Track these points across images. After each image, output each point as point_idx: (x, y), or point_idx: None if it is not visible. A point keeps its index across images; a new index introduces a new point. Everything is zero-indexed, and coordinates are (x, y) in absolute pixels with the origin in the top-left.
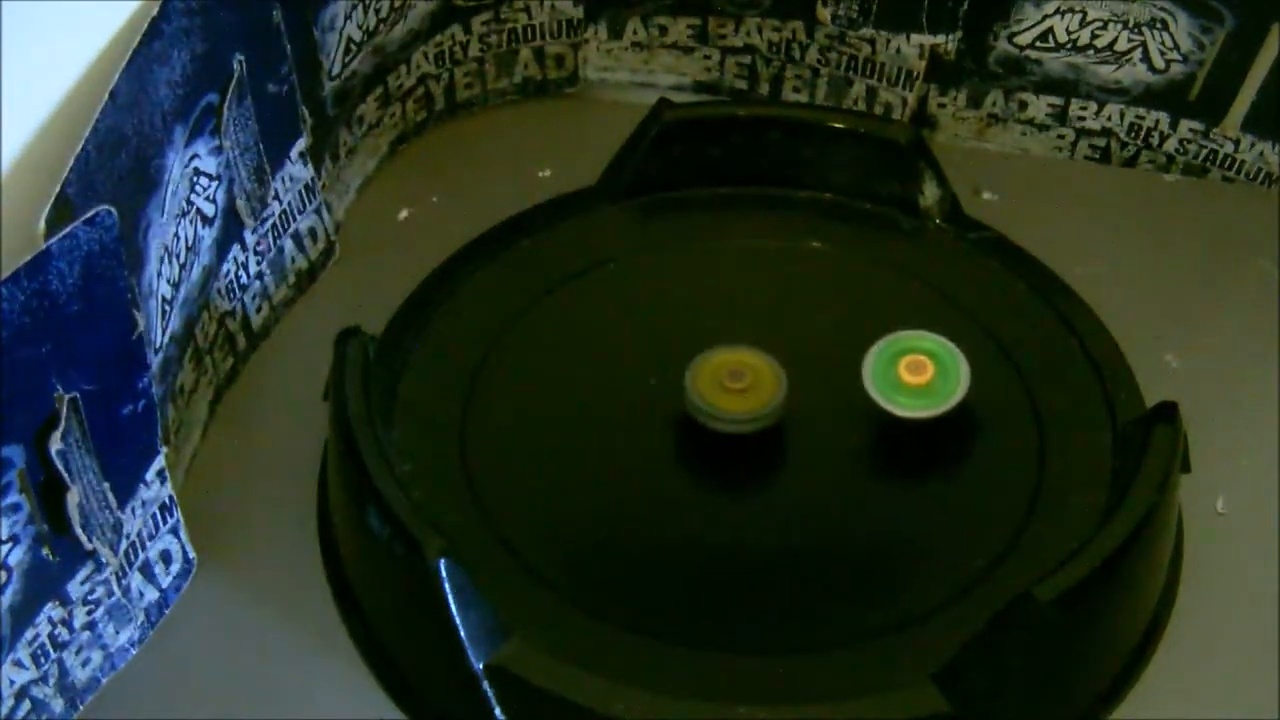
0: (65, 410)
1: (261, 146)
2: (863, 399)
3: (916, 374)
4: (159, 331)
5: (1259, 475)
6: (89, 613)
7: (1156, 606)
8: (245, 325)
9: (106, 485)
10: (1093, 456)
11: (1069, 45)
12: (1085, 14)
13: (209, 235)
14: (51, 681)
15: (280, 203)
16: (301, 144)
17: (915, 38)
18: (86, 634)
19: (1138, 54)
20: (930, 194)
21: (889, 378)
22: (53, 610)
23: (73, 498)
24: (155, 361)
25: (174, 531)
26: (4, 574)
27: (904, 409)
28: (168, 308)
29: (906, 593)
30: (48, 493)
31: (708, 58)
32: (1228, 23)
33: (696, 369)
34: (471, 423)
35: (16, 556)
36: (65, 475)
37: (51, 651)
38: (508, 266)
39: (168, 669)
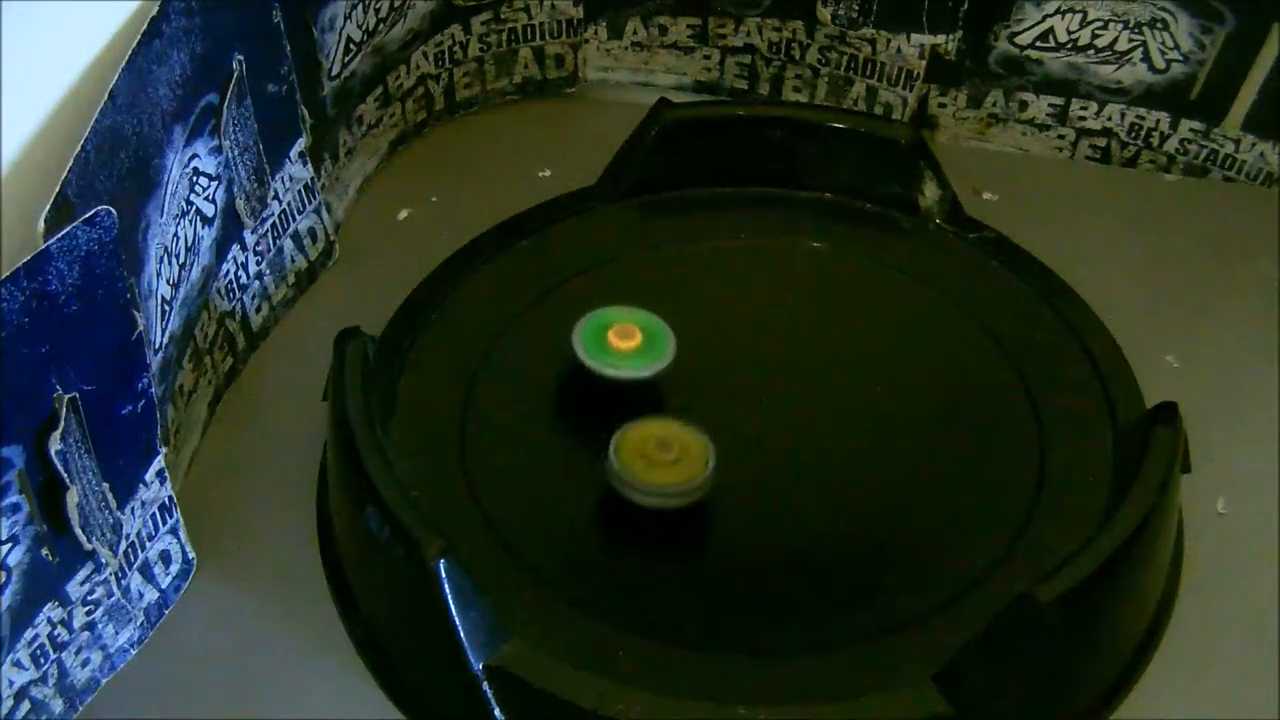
0: (65, 410)
1: (261, 146)
2: (862, 398)
3: (625, 339)
4: (158, 332)
5: (1259, 476)
6: (88, 613)
7: (1157, 607)
8: (245, 325)
9: (106, 485)
10: (1093, 457)
11: (1069, 45)
12: (1086, 14)
13: (208, 235)
14: (51, 682)
15: (280, 203)
16: (301, 144)
17: (916, 38)
18: (86, 634)
19: (1138, 54)
20: (930, 194)
21: (600, 344)
22: (52, 611)
23: (72, 498)
24: (155, 362)
25: (173, 532)
26: (3, 574)
27: (616, 370)
28: (167, 308)
29: (907, 593)
30: (47, 493)
31: (708, 58)
32: (1228, 23)
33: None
34: (471, 423)
35: (16, 557)
36: (65, 475)
37: (51, 652)
38: (508, 266)
39: (168, 669)
